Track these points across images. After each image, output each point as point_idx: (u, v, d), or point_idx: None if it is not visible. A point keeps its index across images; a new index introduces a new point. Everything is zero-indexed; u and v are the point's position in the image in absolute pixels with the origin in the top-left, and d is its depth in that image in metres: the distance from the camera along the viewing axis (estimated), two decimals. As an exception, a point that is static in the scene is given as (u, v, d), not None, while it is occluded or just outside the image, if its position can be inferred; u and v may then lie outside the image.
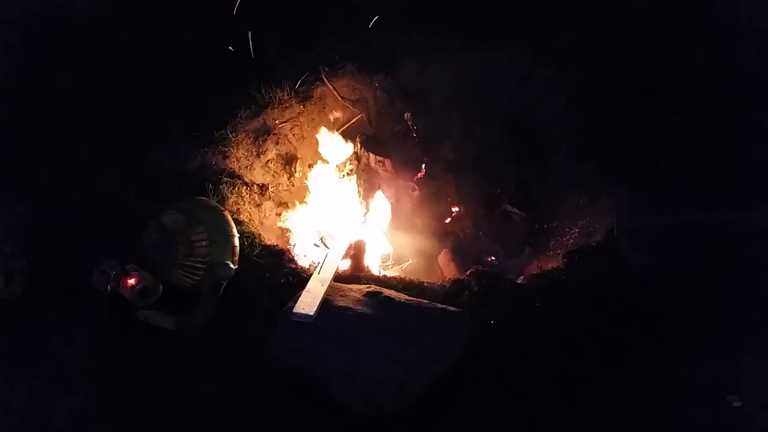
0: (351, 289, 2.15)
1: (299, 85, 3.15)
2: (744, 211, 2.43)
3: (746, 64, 3.04)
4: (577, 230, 2.63)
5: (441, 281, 2.45)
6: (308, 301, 2.01)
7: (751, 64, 3.02)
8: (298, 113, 3.15)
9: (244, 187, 2.77)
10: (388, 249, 2.88)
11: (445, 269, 2.75)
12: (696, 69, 3.04)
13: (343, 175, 2.94)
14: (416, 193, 3.08)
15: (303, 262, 2.52)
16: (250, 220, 2.64)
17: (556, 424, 1.89)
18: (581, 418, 1.90)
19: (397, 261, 2.86)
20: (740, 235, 2.38)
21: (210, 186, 2.58)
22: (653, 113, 2.87)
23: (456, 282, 2.33)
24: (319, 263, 2.29)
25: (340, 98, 3.19)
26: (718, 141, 2.74)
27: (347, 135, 3.12)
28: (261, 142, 3.01)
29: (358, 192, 2.92)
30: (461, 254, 2.79)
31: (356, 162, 2.98)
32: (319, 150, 3.04)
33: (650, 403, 1.94)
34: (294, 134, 3.16)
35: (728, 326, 2.13)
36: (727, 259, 2.33)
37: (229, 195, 2.65)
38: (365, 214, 2.88)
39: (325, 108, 3.23)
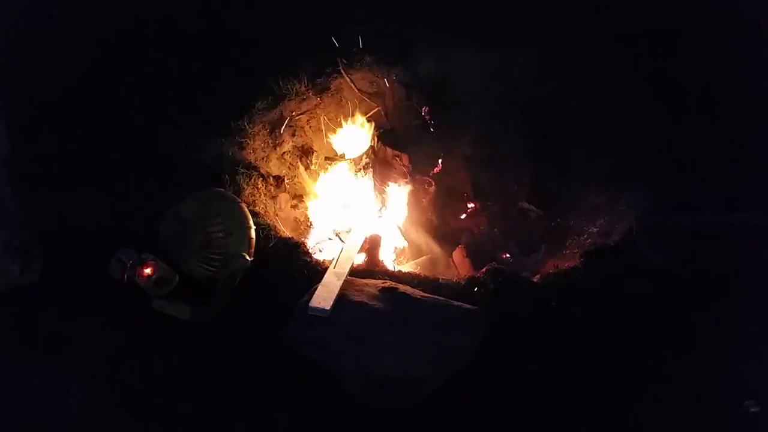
0: (366, 284, 2.14)
1: (316, 77, 3.13)
2: (765, 213, 2.39)
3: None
4: (595, 229, 2.61)
5: (456, 278, 2.43)
6: (324, 296, 2.00)
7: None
8: (315, 105, 3.14)
9: (260, 179, 2.77)
10: (403, 244, 2.87)
11: (460, 266, 2.74)
12: (719, 68, 2.99)
13: (359, 169, 2.92)
14: (432, 188, 3.06)
15: (318, 255, 2.51)
16: (265, 212, 2.64)
17: (570, 424, 1.88)
18: (596, 418, 1.89)
19: (412, 256, 2.85)
20: (761, 237, 2.35)
21: (227, 177, 2.57)
22: (675, 112, 2.83)
23: (471, 279, 2.31)
24: (334, 257, 2.28)
25: (357, 91, 3.18)
26: (740, 141, 2.70)
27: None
28: (277, 133, 3.00)
29: (374, 186, 2.90)
30: (476, 251, 2.77)
31: (372, 156, 2.96)
32: (335, 142, 3.02)
33: (666, 406, 1.92)
34: (310, 126, 3.15)
35: (746, 330, 2.11)
36: (746, 261, 2.30)
37: (245, 186, 2.64)
38: (381, 208, 2.87)
39: (341, 101, 3.21)
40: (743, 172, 2.59)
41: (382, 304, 2.03)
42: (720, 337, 2.08)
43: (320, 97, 3.14)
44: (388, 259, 2.71)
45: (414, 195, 3.00)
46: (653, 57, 3.09)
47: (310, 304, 1.97)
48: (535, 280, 2.36)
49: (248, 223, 2.22)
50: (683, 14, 3.21)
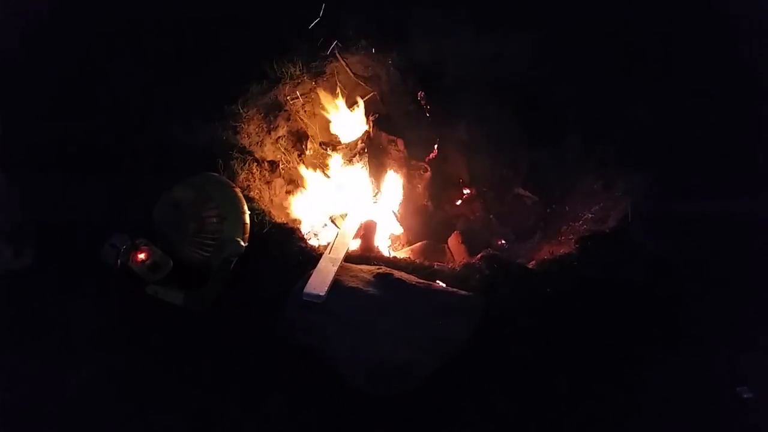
0: (361, 270, 2.13)
1: (311, 61, 3.10)
2: (762, 201, 2.39)
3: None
4: (590, 215, 2.60)
5: (451, 264, 2.43)
6: (319, 281, 2.00)
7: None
8: (310, 89, 3.11)
9: (255, 164, 2.75)
10: (398, 230, 2.86)
11: (455, 252, 2.73)
12: (716, 55, 2.97)
13: (355, 154, 2.90)
14: (428, 174, 3.05)
15: (313, 241, 2.50)
16: (260, 197, 2.63)
17: (564, 410, 1.89)
18: (590, 405, 1.90)
19: (407, 242, 2.85)
20: (757, 225, 2.35)
21: (221, 162, 2.56)
22: (672, 98, 2.81)
23: (467, 265, 2.31)
24: (329, 243, 2.28)
25: (352, 75, 3.15)
26: (738, 129, 2.69)
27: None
28: (272, 118, 2.97)
29: (369, 171, 2.89)
30: (472, 237, 2.77)
31: (368, 141, 2.94)
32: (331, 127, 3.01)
33: (660, 392, 1.93)
34: (305, 111, 3.12)
35: (741, 317, 2.12)
36: (742, 249, 2.30)
37: (240, 171, 2.62)
38: (376, 194, 2.86)
39: (337, 85, 3.18)
40: (741, 160, 2.58)
41: (376, 290, 2.03)
42: (715, 324, 2.09)
43: (315, 81, 3.11)
44: (383, 245, 2.70)
45: (409, 180, 2.98)
46: (652, 43, 3.07)
47: (304, 290, 1.96)
48: (530, 266, 2.35)
49: (242, 208, 2.21)
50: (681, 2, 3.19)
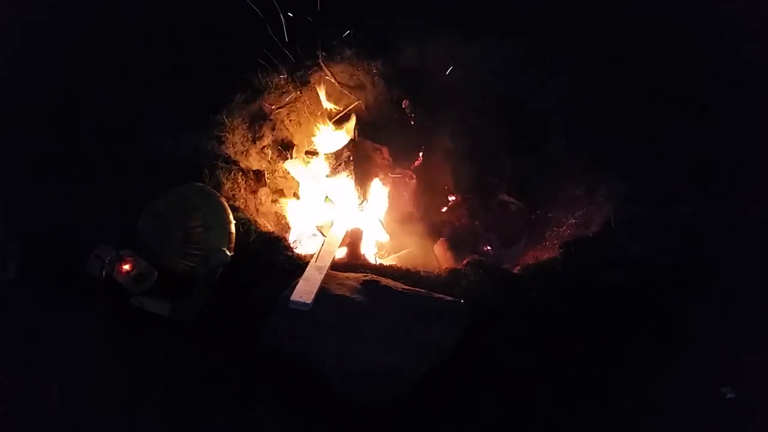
0: (348, 278, 2.14)
1: (296, 70, 3.11)
2: (743, 204, 2.43)
3: (749, 58, 3.01)
4: (573, 220, 2.63)
5: (437, 270, 2.44)
6: (305, 289, 2.00)
7: (754, 58, 3.00)
8: (295, 99, 3.12)
9: (240, 174, 2.75)
10: (384, 238, 2.87)
11: (442, 258, 2.75)
12: (698, 60, 3.02)
13: (340, 163, 2.91)
14: (413, 181, 3.07)
15: (299, 249, 2.51)
16: (245, 206, 2.63)
17: (550, 414, 1.90)
18: (575, 408, 1.92)
19: (394, 250, 2.86)
20: (739, 228, 2.37)
21: (206, 172, 2.55)
22: (653, 104, 2.85)
23: (453, 271, 2.33)
24: (315, 251, 2.28)
25: (337, 84, 3.16)
26: (719, 133, 2.72)
27: (345, 122, 3.10)
28: (257, 127, 2.98)
29: (355, 180, 2.90)
30: (457, 244, 2.79)
31: (353, 149, 2.95)
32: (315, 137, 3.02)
33: (644, 394, 1.95)
34: (290, 120, 3.13)
35: (724, 319, 2.14)
36: (724, 252, 2.32)
37: (225, 181, 2.63)
38: (362, 202, 2.86)
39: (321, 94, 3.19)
40: (721, 164, 2.61)
41: (363, 297, 2.03)
42: (697, 327, 2.11)
43: (300, 91, 3.12)
44: (369, 252, 2.71)
45: (395, 188, 3.00)
46: (633, 50, 3.11)
47: (291, 298, 1.97)
48: (515, 271, 2.38)
49: (228, 217, 2.20)
50: (662, 9, 3.23)
